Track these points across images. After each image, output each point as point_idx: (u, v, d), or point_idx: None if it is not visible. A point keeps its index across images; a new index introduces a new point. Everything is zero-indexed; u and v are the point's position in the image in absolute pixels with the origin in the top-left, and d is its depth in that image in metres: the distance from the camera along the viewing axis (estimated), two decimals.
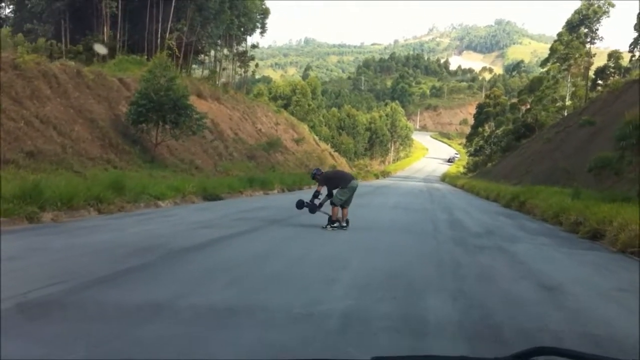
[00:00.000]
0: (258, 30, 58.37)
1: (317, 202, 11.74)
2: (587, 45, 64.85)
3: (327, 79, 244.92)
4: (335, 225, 11.40)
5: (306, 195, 12.80)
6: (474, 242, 10.26)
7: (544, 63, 71.61)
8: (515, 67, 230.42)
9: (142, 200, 13.56)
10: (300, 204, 11.88)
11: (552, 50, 68.50)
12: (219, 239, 8.73)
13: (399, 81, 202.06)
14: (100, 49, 32.14)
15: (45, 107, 19.43)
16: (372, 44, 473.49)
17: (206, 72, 52.52)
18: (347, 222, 11.57)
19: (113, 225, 9.74)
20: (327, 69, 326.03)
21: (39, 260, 6.30)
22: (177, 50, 36.70)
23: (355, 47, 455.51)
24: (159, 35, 38.37)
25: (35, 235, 8.24)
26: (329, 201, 11.61)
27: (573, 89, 66.04)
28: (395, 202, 22.45)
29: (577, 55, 64.04)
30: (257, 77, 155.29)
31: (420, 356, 1.35)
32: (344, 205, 11.64)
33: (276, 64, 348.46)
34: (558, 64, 66.89)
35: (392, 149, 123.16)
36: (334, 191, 11.63)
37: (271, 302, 4.94)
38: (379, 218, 14.49)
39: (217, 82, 50.45)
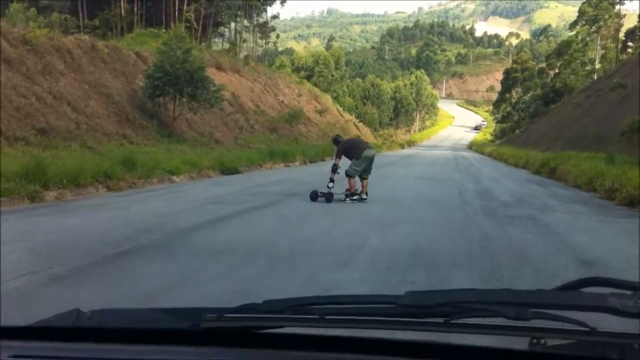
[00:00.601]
0: (278, 1, 57.44)
1: (331, 185, 10.97)
2: (617, 7, 62.63)
3: (351, 49, 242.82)
4: (354, 198, 10.87)
5: (328, 166, 12.01)
6: (505, 212, 9.54)
7: (572, 26, 69.56)
8: (543, 32, 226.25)
9: (155, 175, 13.08)
10: (314, 195, 10.94)
11: (581, 12, 66.50)
12: (225, 217, 8.17)
13: (424, 49, 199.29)
14: None
15: (59, 82, 18.97)
16: (396, 12, 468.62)
17: (226, 45, 51.87)
18: (366, 194, 11.02)
19: (118, 203, 9.24)
20: (350, 39, 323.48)
21: (19, 246, 5.67)
22: (195, 23, 36.00)
23: (378, 16, 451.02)
24: (177, 8, 37.71)
25: (30, 215, 7.74)
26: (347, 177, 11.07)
27: (603, 51, 63.95)
28: (420, 172, 21.70)
29: (606, 17, 61.98)
30: (280, 49, 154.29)
31: (457, 290, 1.27)
32: (363, 175, 11.14)
33: (299, 35, 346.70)
34: (587, 26, 64.82)
35: (418, 118, 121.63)
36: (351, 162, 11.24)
37: (272, 294, 4.32)
38: (403, 190, 13.81)
39: (238, 54, 49.77)
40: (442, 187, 14.91)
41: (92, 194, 10.28)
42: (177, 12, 36.98)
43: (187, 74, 21.59)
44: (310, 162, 26.55)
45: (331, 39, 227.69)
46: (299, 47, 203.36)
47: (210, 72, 35.68)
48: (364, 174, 11.15)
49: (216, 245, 6.13)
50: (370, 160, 11.32)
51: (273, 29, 58.84)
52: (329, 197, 10.78)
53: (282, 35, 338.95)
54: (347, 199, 10.84)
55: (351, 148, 11.41)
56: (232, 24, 52.50)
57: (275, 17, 57.14)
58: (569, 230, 8.00)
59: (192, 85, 21.82)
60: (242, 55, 50.73)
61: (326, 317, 1.24)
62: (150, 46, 28.65)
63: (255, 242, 6.40)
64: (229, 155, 19.51)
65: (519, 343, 1.13)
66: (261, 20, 57.13)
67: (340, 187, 11.17)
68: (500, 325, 1.16)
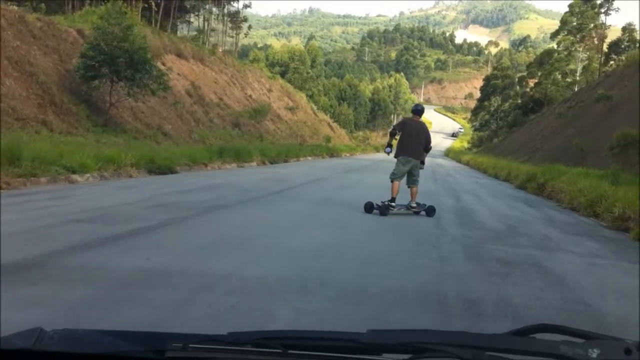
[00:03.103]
0: None
1: (388, 150, 10.23)
2: (602, 17, 60.90)
3: (331, 50, 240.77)
4: (391, 202, 9.62)
5: (289, 169, 9.54)
6: (495, 252, 6.76)
7: (554, 35, 67.60)
8: (522, 42, 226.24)
9: (48, 173, 10.15)
10: (369, 207, 9.49)
11: (563, 22, 64.94)
12: (66, 249, 5.04)
13: (404, 53, 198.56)
14: None
15: None
16: (377, 16, 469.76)
17: (193, 33, 48.77)
18: (417, 205, 9.89)
19: None
20: (331, 40, 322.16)
21: None
22: (153, 4, 32.90)
23: (360, 18, 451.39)
24: None
25: None
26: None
27: (585, 62, 62.17)
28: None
29: (591, 26, 60.16)
30: (259, 45, 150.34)
31: (417, 330, 1.32)
32: (408, 183, 10.09)
33: (280, 33, 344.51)
34: (570, 36, 63.00)
35: (395, 121, 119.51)
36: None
37: None
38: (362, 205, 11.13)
39: (206, 43, 46.72)
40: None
41: None
42: None
43: (126, 54, 18.60)
44: (271, 163, 23.66)
45: (311, 37, 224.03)
46: (278, 45, 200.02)
47: (170, 59, 32.77)
48: (411, 182, 10.10)
49: None
50: (411, 167, 10.03)
51: (245, 19, 55.70)
52: (383, 210, 9.38)
53: (262, 32, 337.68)
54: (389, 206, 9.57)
55: (402, 140, 10.08)
56: (201, 11, 49.25)
57: (247, 6, 53.97)
58: (598, 293, 5.28)
59: (132, 68, 18.84)
60: (208, 43, 47.67)
61: (289, 351, 1.25)
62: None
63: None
64: (168, 151, 16.62)
65: None
66: (232, 9, 53.93)
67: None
68: None
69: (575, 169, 19.72)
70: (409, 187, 10.04)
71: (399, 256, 6.17)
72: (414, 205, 9.88)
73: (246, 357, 1.25)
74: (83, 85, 19.26)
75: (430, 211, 9.82)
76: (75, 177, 10.76)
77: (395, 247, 6.70)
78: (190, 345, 1.25)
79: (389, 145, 10.23)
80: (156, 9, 33.94)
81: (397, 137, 10.18)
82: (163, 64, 30.87)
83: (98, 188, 10.12)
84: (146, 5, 33.51)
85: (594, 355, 1.13)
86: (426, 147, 10.19)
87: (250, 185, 12.75)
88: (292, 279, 4.63)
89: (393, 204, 9.65)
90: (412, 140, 9.93)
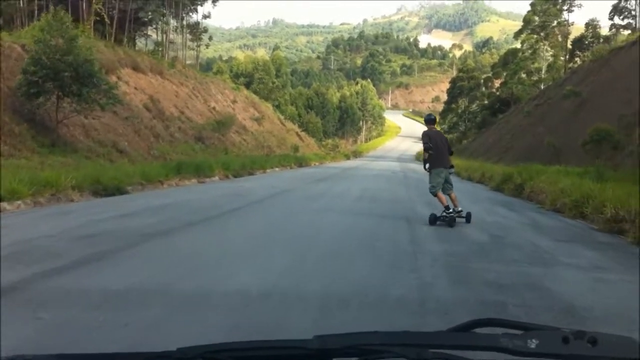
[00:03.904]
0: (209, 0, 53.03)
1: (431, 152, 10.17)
2: (565, 13, 61.02)
3: (297, 59, 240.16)
4: (450, 212, 9.68)
5: (262, 180, 8.70)
6: (484, 274, 5.68)
7: (517, 35, 67.57)
8: (485, 44, 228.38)
9: None
10: (433, 219, 9.55)
11: (526, 21, 65.08)
12: None
13: (369, 59, 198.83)
14: None
15: None
16: (341, 24, 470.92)
17: (152, 47, 47.29)
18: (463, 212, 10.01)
19: None
20: (296, 50, 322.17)
21: None
22: (105, 17, 31.48)
23: (324, 27, 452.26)
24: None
25: None
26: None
27: (551, 59, 62.18)
28: (361, 189, 17.93)
29: (554, 24, 60.18)
30: (224, 58, 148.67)
31: (363, 333, 1.32)
32: (445, 190, 10.18)
33: (245, 45, 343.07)
34: (534, 35, 63.00)
35: (364, 128, 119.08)
36: (429, 176, 10.27)
37: None
38: (329, 220, 9.99)
39: (165, 55, 45.32)
40: (384, 214, 11.13)
41: None
42: (86, 5, 32.29)
43: (70, 67, 17.27)
44: (235, 176, 22.41)
45: (276, 48, 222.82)
46: (243, 57, 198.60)
47: (126, 73, 31.37)
48: (445, 189, 10.24)
49: None
50: (444, 176, 10.30)
51: (205, 30, 54.34)
52: (450, 221, 9.55)
53: (227, 45, 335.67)
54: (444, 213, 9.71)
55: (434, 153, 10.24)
56: (159, 23, 47.82)
57: (206, 16, 52.65)
58: (618, 324, 4.23)
59: (78, 82, 17.50)
60: (167, 56, 46.26)
61: None
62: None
63: None
64: (120, 170, 15.30)
65: None
66: (192, 20, 52.54)
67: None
68: None
69: (553, 167, 18.92)
70: (447, 194, 10.14)
71: (369, 288, 5.01)
72: (460, 209, 10.04)
73: None
74: (27, 103, 17.85)
75: (469, 217, 9.98)
76: (4, 205, 9.45)
77: (366, 274, 5.56)
78: None
79: (426, 161, 10.36)
80: (109, 22, 32.47)
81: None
82: (119, 78, 29.55)
83: (25, 217, 8.80)
84: (98, 19, 32.04)
85: (533, 346, 1.15)
86: (450, 151, 10.57)
87: (206, 203, 11.57)
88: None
89: (450, 210, 9.76)
90: (440, 151, 10.24)
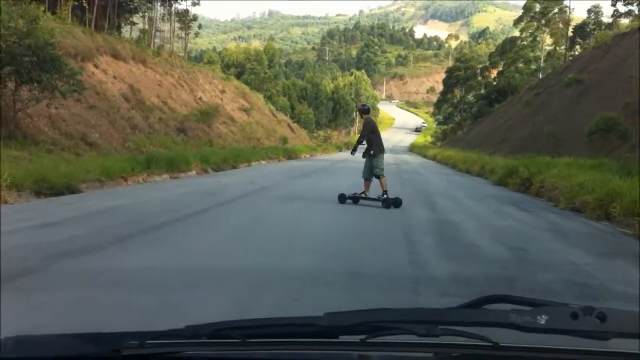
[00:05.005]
0: None
1: (355, 154, 11.78)
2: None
3: (292, 51, 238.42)
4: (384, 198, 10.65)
5: (243, 175, 7.63)
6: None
7: (517, 22, 66.01)
8: (481, 35, 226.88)
9: None
10: (342, 198, 11.12)
11: (526, 8, 63.48)
12: None
13: (364, 50, 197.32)
14: None
15: None
16: (337, 15, 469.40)
17: (137, 34, 45.42)
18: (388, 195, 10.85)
19: None
20: (291, 41, 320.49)
21: None
22: (84, 1, 29.67)
23: (319, 18, 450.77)
24: None
25: None
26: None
27: (551, 47, 60.66)
28: (348, 184, 16.31)
29: (555, 10, 58.57)
30: (218, 50, 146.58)
31: (373, 310, 1.31)
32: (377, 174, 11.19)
33: (240, 37, 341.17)
34: (534, 22, 61.46)
35: (357, 119, 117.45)
36: (374, 161, 11.17)
37: None
38: (309, 226, 8.38)
39: (151, 44, 43.53)
40: (375, 217, 9.50)
41: None
42: None
43: (30, 51, 15.57)
44: (215, 170, 20.77)
45: (271, 39, 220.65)
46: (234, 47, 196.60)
47: (104, 61, 29.64)
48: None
49: None
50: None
51: (194, 18, 52.51)
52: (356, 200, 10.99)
53: (222, 36, 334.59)
54: (385, 195, 10.70)
55: (376, 136, 11.26)
56: (145, 10, 45.97)
57: (195, 3, 50.69)
58: None
59: (39, 68, 15.79)
60: (153, 44, 44.46)
61: (247, 340, 1.25)
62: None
63: None
64: (76, 165, 13.65)
65: (429, 358, 1.19)
66: (180, 7, 50.67)
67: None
68: (412, 342, 1.24)
69: (562, 160, 17.23)
70: (377, 178, 11.13)
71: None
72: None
73: (205, 349, 1.24)
74: None
75: (393, 202, 10.63)
76: None
77: None
78: (148, 342, 1.22)
79: (355, 149, 11.77)
80: (87, 7, 30.67)
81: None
82: (95, 65, 27.87)
83: None
84: (76, 3, 30.24)
85: (542, 322, 1.15)
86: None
87: (163, 206, 9.87)
88: None
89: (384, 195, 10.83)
90: (379, 137, 11.34)
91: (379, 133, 11.28)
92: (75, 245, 5.95)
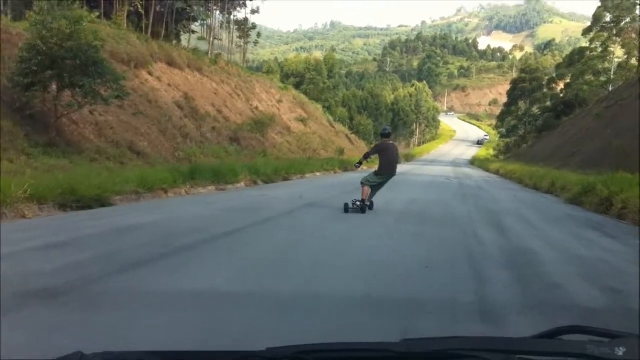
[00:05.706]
0: None
1: (357, 165, 14.24)
2: (639, 9, 56.25)
3: (353, 62, 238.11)
4: (357, 203, 11.46)
5: (294, 188, 7.60)
6: None
7: (586, 32, 62.92)
8: (547, 46, 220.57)
9: None
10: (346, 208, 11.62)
11: (596, 17, 60.27)
12: None
13: (426, 61, 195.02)
14: None
15: None
16: (399, 26, 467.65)
17: (199, 43, 45.31)
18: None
19: None
20: (353, 52, 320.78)
21: None
22: (140, 6, 29.35)
23: (381, 29, 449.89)
24: None
25: None
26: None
27: (623, 58, 57.53)
28: (407, 201, 15.02)
29: (627, 19, 55.54)
30: (279, 60, 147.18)
31: (448, 338, 1.31)
32: (374, 189, 11.95)
33: (302, 47, 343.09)
34: (605, 32, 58.43)
35: (417, 131, 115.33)
36: (373, 174, 12.13)
37: None
38: (353, 253, 7.17)
39: (209, 52, 43.24)
40: (432, 246, 8.11)
41: None
42: None
43: (72, 54, 14.92)
44: (266, 182, 19.77)
45: (333, 50, 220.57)
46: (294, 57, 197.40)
47: (159, 68, 29.25)
48: (375, 189, 11.94)
49: None
50: (385, 183, 12.23)
51: (254, 26, 52.14)
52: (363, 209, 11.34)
53: (284, 47, 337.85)
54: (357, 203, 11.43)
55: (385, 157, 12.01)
56: (206, 20, 45.85)
57: (255, 12, 50.40)
58: None
59: (81, 72, 15.12)
60: (212, 52, 44.14)
61: None
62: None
63: None
64: (117, 176, 12.83)
65: None
66: (240, 16, 50.40)
67: None
68: None
69: None
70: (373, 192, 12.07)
71: None
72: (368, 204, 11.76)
73: None
74: (21, 95, 15.54)
75: (371, 205, 11.90)
76: None
77: None
78: None
79: (361, 163, 13.65)
80: (143, 12, 30.39)
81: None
82: (149, 72, 27.45)
83: None
84: (132, 9, 30.02)
85: (620, 354, 1.13)
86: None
87: (194, 223, 8.81)
88: None
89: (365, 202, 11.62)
90: (388, 161, 12.10)
91: (391, 156, 11.99)
92: (62, 278, 4.86)
